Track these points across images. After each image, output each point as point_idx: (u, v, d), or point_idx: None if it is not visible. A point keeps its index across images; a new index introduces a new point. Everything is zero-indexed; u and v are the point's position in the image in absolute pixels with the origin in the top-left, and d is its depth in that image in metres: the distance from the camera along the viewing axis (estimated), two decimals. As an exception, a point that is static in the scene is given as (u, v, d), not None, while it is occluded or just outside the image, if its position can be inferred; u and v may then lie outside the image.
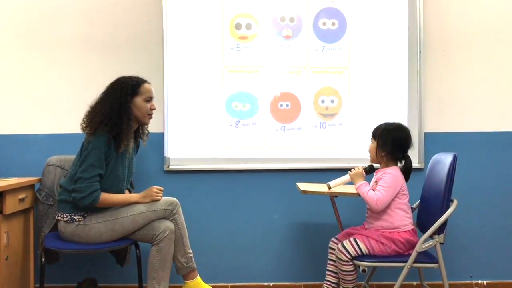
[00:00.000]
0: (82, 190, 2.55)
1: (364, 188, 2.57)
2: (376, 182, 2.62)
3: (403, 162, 2.66)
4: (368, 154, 2.71)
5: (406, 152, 2.65)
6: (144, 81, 2.72)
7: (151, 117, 2.74)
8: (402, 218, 2.57)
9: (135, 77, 2.72)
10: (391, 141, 2.62)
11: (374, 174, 2.69)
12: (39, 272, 2.63)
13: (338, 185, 2.66)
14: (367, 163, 2.71)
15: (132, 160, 2.79)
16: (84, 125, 2.67)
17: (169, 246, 2.63)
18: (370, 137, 2.70)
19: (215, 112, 3.17)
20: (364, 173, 2.65)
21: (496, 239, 3.19)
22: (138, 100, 2.68)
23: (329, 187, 2.63)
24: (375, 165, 2.70)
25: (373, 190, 2.58)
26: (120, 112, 2.61)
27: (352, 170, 2.66)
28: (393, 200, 2.56)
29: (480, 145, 3.19)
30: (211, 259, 3.15)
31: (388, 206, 2.55)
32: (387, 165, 2.64)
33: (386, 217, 2.57)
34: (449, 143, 3.16)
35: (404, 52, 3.18)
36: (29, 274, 2.89)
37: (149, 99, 2.71)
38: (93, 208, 2.62)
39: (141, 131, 2.82)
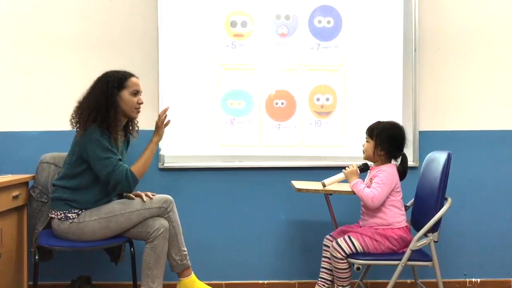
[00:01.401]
0: (116, 182, 2.57)
1: (359, 186, 2.58)
2: (371, 180, 2.62)
3: (399, 160, 2.67)
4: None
5: (403, 150, 2.66)
6: (131, 75, 2.71)
7: (138, 111, 2.73)
8: (395, 215, 2.58)
9: (122, 71, 2.71)
10: (390, 140, 2.62)
11: (369, 171, 2.70)
12: (32, 269, 2.62)
13: (333, 183, 2.66)
14: (362, 161, 2.72)
15: (123, 155, 2.77)
16: (73, 121, 2.66)
17: (163, 244, 2.63)
18: (365, 136, 2.70)
19: (210, 110, 3.17)
20: (358, 171, 2.65)
21: (490, 237, 3.20)
22: (125, 94, 2.66)
23: (324, 185, 2.63)
24: (369, 163, 2.71)
25: (368, 187, 2.58)
26: (106, 105, 2.60)
27: (347, 168, 2.66)
28: (387, 197, 2.57)
29: (474, 143, 3.20)
30: (205, 257, 3.15)
31: (382, 203, 2.56)
32: (383, 163, 2.65)
33: (380, 214, 2.58)
34: (443, 142, 3.17)
35: (399, 50, 3.18)
36: (22, 272, 2.88)
37: (136, 93, 2.69)
38: (87, 206, 2.62)
39: (130, 127, 2.81)
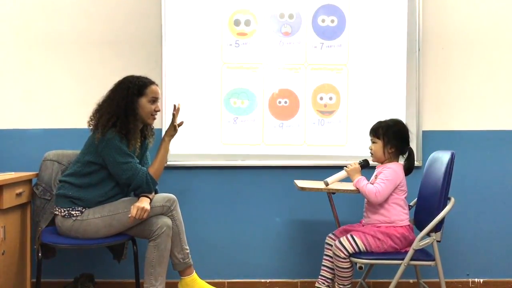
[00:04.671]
0: (136, 186, 2.61)
1: (363, 182, 2.58)
2: (376, 177, 2.63)
3: (406, 155, 2.67)
4: (369, 153, 2.71)
5: (409, 143, 2.67)
6: (151, 83, 2.73)
7: (154, 118, 2.75)
8: (399, 213, 2.58)
9: (143, 78, 2.73)
10: (397, 136, 2.63)
11: (376, 168, 2.70)
12: (35, 267, 2.63)
13: (335, 181, 2.66)
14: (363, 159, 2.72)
15: (143, 158, 2.79)
16: (91, 122, 2.68)
17: (166, 242, 2.63)
18: (370, 138, 2.69)
19: (213, 109, 3.17)
20: (360, 168, 2.65)
21: (493, 237, 3.20)
22: (143, 101, 2.68)
23: (327, 184, 2.63)
24: (369, 158, 2.71)
25: (372, 184, 2.59)
26: (126, 111, 2.62)
27: (348, 166, 2.66)
28: (390, 195, 2.57)
29: (478, 143, 3.20)
30: (208, 256, 3.15)
31: (385, 201, 2.56)
32: (391, 162, 2.65)
33: (383, 211, 2.58)
34: (447, 141, 3.17)
35: (403, 50, 3.18)
36: (25, 269, 2.89)
37: (154, 100, 2.71)
38: (91, 205, 2.63)
39: (146, 132, 2.81)
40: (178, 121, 2.80)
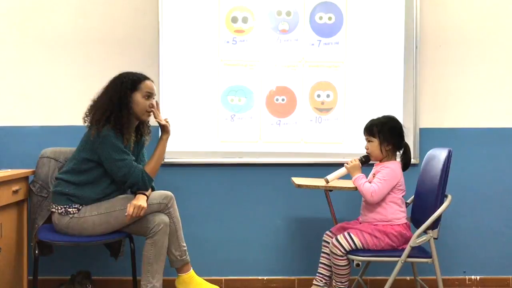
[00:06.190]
0: (132, 183, 2.60)
1: (360, 181, 2.59)
2: (374, 175, 2.63)
3: (402, 150, 2.68)
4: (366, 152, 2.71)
5: (404, 138, 2.68)
6: (145, 78, 2.71)
7: (149, 115, 2.73)
8: (395, 212, 2.58)
9: (137, 73, 2.71)
10: (392, 132, 2.64)
11: (374, 166, 2.70)
12: (32, 264, 2.63)
13: (335, 179, 2.66)
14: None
15: (139, 156, 2.79)
16: (86, 119, 2.67)
17: (163, 239, 2.63)
18: (365, 137, 2.68)
19: (210, 106, 3.17)
20: (360, 165, 2.65)
21: (489, 234, 3.21)
22: (137, 96, 2.66)
23: (327, 181, 2.63)
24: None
25: (370, 182, 2.59)
26: (119, 105, 2.61)
27: (349, 162, 2.66)
28: (388, 193, 2.57)
29: (475, 141, 3.21)
30: (205, 253, 3.15)
31: (382, 199, 2.57)
32: (390, 159, 2.65)
33: (380, 209, 2.58)
34: (444, 139, 3.17)
35: (400, 48, 3.18)
36: (22, 266, 2.88)
37: (149, 95, 2.70)
38: (88, 202, 2.62)
39: (142, 129, 2.80)
40: (163, 118, 2.76)
